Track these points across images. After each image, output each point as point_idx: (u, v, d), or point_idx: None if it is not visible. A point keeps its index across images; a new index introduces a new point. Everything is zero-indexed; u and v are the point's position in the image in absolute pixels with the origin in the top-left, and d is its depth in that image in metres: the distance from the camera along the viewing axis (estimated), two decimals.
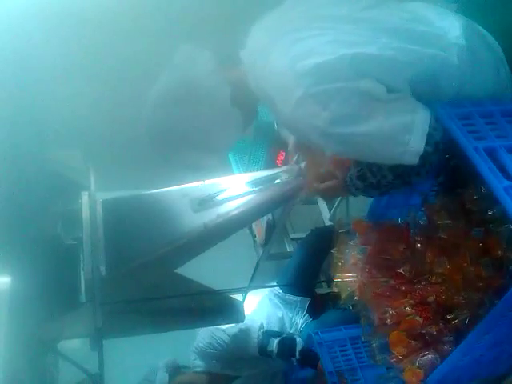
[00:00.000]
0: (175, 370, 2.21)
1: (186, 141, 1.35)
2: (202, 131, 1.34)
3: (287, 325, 2.34)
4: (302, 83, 1.17)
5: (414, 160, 1.20)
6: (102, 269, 1.55)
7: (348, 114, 1.17)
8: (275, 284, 2.49)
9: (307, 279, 2.46)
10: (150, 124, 1.39)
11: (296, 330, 2.32)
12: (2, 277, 1.33)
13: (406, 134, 1.18)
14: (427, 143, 1.19)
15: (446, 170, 1.45)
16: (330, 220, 2.91)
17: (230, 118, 1.35)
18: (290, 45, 1.21)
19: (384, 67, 1.19)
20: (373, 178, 1.32)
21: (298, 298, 2.41)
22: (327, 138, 1.20)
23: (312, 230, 2.67)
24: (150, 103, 1.36)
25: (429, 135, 1.19)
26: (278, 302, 2.43)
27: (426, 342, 1.39)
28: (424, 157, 1.20)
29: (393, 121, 1.18)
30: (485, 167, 1.13)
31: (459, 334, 1.32)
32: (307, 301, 2.40)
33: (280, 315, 2.36)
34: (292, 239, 2.97)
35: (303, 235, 2.88)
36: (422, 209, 1.52)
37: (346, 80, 1.16)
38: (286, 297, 2.43)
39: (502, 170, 1.14)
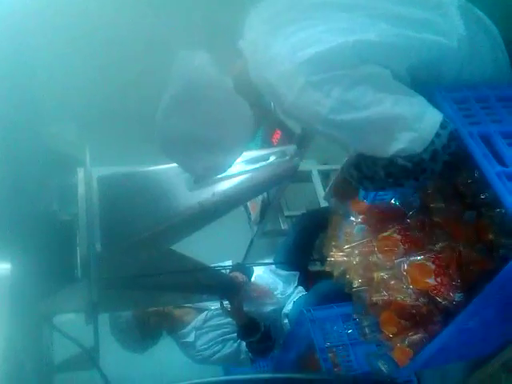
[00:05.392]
0: None
1: (202, 144, 1.34)
2: (215, 130, 1.34)
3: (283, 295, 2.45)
4: (304, 72, 1.17)
5: (419, 148, 1.16)
6: (98, 245, 1.56)
7: (350, 101, 1.16)
8: (267, 262, 2.55)
9: (299, 257, 2.53)
10: (164, 135, 1.37)
11: (291, 300, 2.41)
12: (3, 263, 1.35)
13: (417, 122, 1.16)
14: (425, 150, 1.16)
15: None
16: (325, 199, 2.92)
17: (239, 109, 1.34)
18: (289, 35, 1.21)
19: (386, 53, 1.18)
20: (367, 170, 1.30)
21: (288, 273, 2.51)
22: (329, 125, 1.19)
23: (303, 212, 2.73)
24: (160, 115, 1.35)
25: (430, 142, 1.15)
26: (274, 277, 2.51)
27: (416, 322, 1.41)
28: (418, 163, 1.18)
29: (401, 108, 1.16)
30: (478, 152, 1.13)
31: (449, 315, 1.34)
32: (296, 274, 2.50)
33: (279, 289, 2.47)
34: (286, 217, 2.99)
35: (298, 213, 2.90)
36: (416, 191, 1.53)
37: (348, 67, 1.16)
38: (277, 272, 2.52)
39: (496, 155, 1.15)
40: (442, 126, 1.16)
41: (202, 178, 1.55)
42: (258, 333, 2.22)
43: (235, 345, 2.33)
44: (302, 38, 1.19)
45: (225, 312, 2.24)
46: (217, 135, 1.35)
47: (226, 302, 2.21)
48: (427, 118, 1.16)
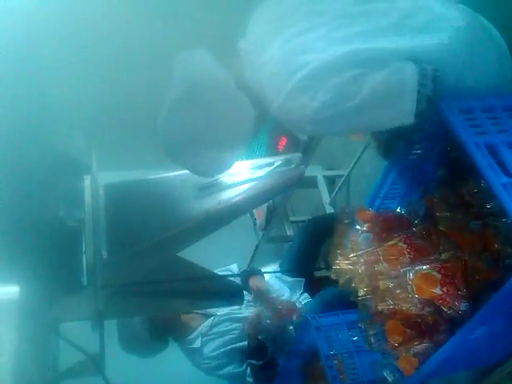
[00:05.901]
0: None
1: (204, 143, 1.36)
2: (217, 129, 1.35)
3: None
4: (294, 78, 1.20)
5: (409, 120, 1.20)
6: (104, 252, 1.57)
7: (333, 98, 1.19)
8: (273, 270, 2.55)
9: (305, 263, 2.54)
10: (166, 137, 1.38)
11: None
12: (11, 285, 1.37)
13: (396, 98, 1.19)
14: (416, 115, 1.19)
15: (447, 162, 1.46)
16: (331, 204, 2.92)
17: (241, 105, 1.36)
18: (288, 39, 1.23)
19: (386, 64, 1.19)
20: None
21: (294, 279, 2.51)
22: (317, 124, 1.24)
23: (309, 219, 2.72)
24: (162, 118, 1.36)
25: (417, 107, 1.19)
26: (279, 283, 2.52)
27: (422, 332, 1.41)
28: (416, 125, 1.22)
29: (378, 88, 1.19)
30: (484, 163, 1.13)
31: (454, 325, 1.34)
32: (302, 280, 2.50)
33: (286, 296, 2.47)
34: (292, 222, 2.99)
35: (303, 218, 2.90)
36: (422, 200, 1.53)
37: (338, 74, 1.19)
38: (283, 278, 2.53)
39: (502, 165, 1.15)
40: (422, 74, 1.18)
41: (206, 176, 1.57)
42: (261, 360, 2.22)
43: (241, 368, 2.31)
44: (299, 43, 1.22)
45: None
46: (218, 133, 1.36)
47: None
48: (406, 80, 1.18)
